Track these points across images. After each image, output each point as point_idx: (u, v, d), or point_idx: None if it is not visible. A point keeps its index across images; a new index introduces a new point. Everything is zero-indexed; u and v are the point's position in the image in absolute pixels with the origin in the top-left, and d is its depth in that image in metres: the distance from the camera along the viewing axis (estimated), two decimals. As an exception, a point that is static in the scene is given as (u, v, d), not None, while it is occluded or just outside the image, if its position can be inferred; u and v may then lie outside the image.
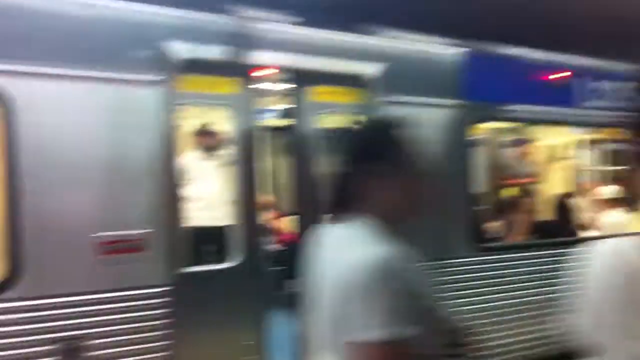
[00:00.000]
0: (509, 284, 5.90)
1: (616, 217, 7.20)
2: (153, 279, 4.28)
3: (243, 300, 4.66)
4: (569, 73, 6.39)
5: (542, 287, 6.08)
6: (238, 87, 4.74)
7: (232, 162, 5.73)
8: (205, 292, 4.51)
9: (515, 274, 5.94)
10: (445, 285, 5.42)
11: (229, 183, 5.02)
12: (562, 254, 6.21)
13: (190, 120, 5.84)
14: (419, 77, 5.53)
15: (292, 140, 5.18)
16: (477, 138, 6.43)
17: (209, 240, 5.38)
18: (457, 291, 5.52)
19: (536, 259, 6.07)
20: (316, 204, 4.76)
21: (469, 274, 5.64)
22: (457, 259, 5.58)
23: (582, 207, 7.36)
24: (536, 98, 6.24)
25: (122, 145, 4.19)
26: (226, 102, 4.76)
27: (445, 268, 5.44)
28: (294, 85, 5.10)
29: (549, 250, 6.17)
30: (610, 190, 7.51)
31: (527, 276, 6.02)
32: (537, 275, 6.09)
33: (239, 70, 4.70)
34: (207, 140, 6.24)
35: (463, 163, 5.69)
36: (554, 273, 6.17)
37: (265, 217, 6.28)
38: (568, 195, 7.94)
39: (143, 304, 4.22)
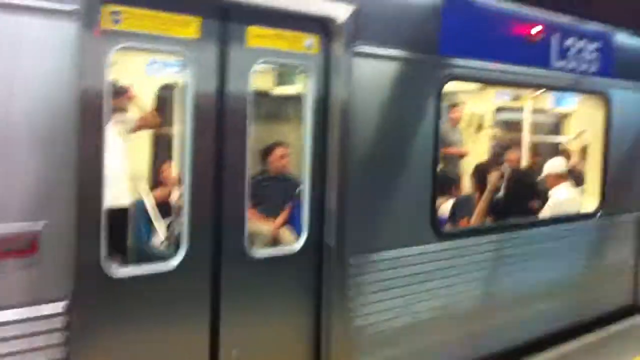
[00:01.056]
0: (473, 275, 5.12)
1: (565, 194, 6.62)
2: (49, 292, 3.02)
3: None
4: (544, 28, 5.55)
5: (511, 277, 5.40)
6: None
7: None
8: (132, 307, 3.33)
9: (480, 263, 5.17)
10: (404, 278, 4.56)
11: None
12: (527, 237, 5.57)
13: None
14: (395, 25, 4.49)
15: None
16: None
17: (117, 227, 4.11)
18: (416, 284, 4.67)
19: (500, 244, 5.33)
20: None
21: (427, 263, 4.77)
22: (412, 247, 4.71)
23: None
24: (520, 56, 5.40)
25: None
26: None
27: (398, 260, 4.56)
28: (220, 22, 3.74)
29: (513, 233, 5.46)
30: (557, 164, 6.92)
31: (493, 265, 5.27)
32: (505, 263, 5.37)
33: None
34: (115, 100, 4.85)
35: (432, 131, 4.74)
36: (522, 258, 5.51)
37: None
38: (524, 169, 7.31)
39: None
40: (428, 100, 4.70)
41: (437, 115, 4.77)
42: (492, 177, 5.62)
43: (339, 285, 4.21)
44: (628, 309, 6.86)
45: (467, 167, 7.41)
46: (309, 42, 4.10)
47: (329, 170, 4.16)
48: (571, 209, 6.50)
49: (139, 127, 5.19)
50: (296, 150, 5.89)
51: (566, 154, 9.78)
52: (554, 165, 6.88)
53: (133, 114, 5.27)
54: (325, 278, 4.18)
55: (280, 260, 4.07)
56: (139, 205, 5.26)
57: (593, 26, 6.27)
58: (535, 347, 5.67)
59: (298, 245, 4.14)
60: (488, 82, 5.61)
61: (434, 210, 4.86)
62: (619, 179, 6.64)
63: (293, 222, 5.13)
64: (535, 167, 7.49)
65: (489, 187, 5.61)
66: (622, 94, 6.59)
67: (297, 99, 5.61)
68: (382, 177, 4.45)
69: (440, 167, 5.18)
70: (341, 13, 4.08)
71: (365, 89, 4.27)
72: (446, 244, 4.91)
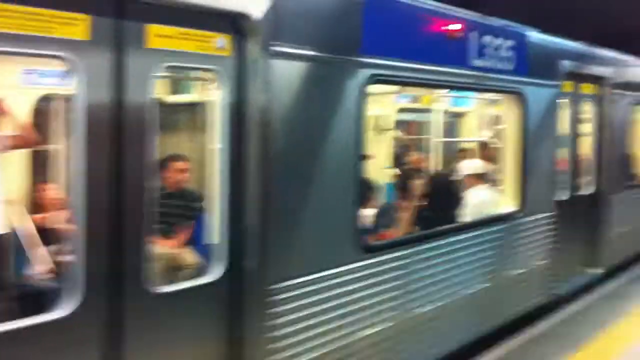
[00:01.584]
0: (402, 290, 4.78)
1: (482, 195, 6.43)
2: None
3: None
4: (464, 26, 5.30)
5: (439, 286, 5.12)
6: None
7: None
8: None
9: (407, 276, 4.83)
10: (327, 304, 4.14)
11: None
12: (452, 244, 5.31)
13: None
14: (317, 23, 4.06)
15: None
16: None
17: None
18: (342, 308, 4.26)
19: (427, 253, 5.03)
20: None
21: (353, 284, 4.37)
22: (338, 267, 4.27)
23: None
24: (443, 56, 5.10)
25: None
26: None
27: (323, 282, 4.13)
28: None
29: (441, 241, 5.17)
30: (474, 166, 6.74)
31: (421, 277, 4.96)
32: (434, 273, 5.07)
33: None
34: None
35: (355, 136, 4.35)
36: (448, 267, 5.24)
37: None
38: (448, 174, 7.07)
39: None
40: (351, 104, 4.30)
41: (361, 119, 4.38)
42: (416, 184, 5.30)
43: (259, 315, 3.73)
44: (545, 307, 6.79)
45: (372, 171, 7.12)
46: (220, 42, 3.60)
47: (247, 183, 3.67)
48: (490, 210, 6.32)
49: (13, 146, 4.39)
50: (202, 163, 5.41)
51: (470, 154, 9.81)
52: (472, 166, 6.70)
53: (5, 131, 4.47)
54: (244, 308, 3.70)
55: (192, 291, 3.55)
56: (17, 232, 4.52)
57: (507, 24, 6.10)
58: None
59: (215, 273, 3.62)
60: (413, 83, 5.28)
61: (358, 222, 4.47)
62: (535, 178, 6.53)
63: (195, 242, 4.65)
64: (454, 169, 7.31)
65: (413, 194, 5.29)
66: (536, 92, 6.48)
67: (203, 107, 5.17)
68: (305, 189, 4.03)
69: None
70: (256, 9, 3.60)
71: (284, 93, 3.82)
72: (374, 259, 4.53)
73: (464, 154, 9.32)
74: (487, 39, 5.67)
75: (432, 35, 5.03)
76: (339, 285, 4.26)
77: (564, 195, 7.24)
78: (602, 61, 8.14)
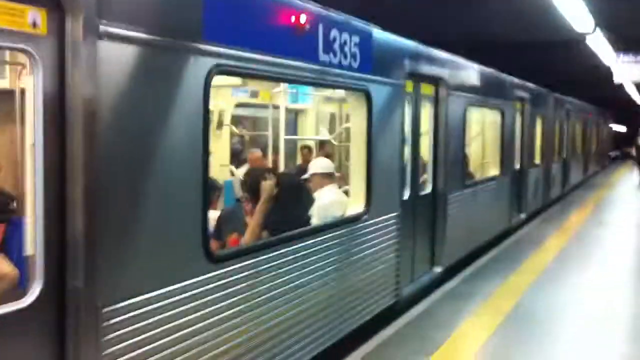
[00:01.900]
0: (254, 303, 4.38)
1: (331, 196, 6.21)
2: None
3: None
4: (312, 18, 5.00)
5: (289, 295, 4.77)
6: None
7: None
8: None
9: (260, 287, 4.44)
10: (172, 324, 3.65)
11: None
12: (305, 249, 5.00)
13: None
14: (155, 1, 3.54)
15: None
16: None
17: None
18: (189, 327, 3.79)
19: (277, 260, 4.66)
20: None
21: (200, 299, 3.90)
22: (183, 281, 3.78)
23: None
24: (292, 49, 4.75)
25: None
26: None
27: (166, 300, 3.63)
28: None
29: (292, 246, 4.83)
30: (323, 164, 6.49)
31: (272, 287, 4.58)
32: (285, 282, 4.71)
33: None
34: None
35: (199, 132, 3.88)
36: (299, 274, 4.92)
37: None
38: (296, 173, 6.72)
39: None
40: (194, 96, 3.83)
41: (205, 113, 3.92)
42: (267, 185, 4.91)
43: (88, 345, 3.16)
44: (391, 308, 6.72)
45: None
46: (34, 17, 2.99)
47: (68, 185, 3.09)
48: (339, 212, 6.11)
49: None
50: (11, 160, 4.68)
51: (316, 152, 9.66)
52: (320, 165, 6.45)
53: None
54: (68, 338, 3.11)
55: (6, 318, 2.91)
56: None
57: (354, 20, 5.92)
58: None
59: (29, 295, 2.99)
60: (260, 76, 4.88)
61: (206, 228, 4.00)
62: (381, 178, 6.42)
63: (9, 247, 4.05)
64: (300, 167, 7.02)
65: (264, 196, 4.89)
66: (381, 90, 6.38)
67: (15, 95, 4.45)
68: (140, 191, 3.49)
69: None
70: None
71: (115, 81, 3.27)
72: (223, 270, 4.09)
73: (307, 151, 9.15)
74: (335, 33, 5.44)
75: (280, 26, 4.68)
76: (185, 301, 3.77)
77: (405, 195, 7.24)
78: (440, 62, 8.28)
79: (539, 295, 7.75)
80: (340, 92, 9.17)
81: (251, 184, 5.02)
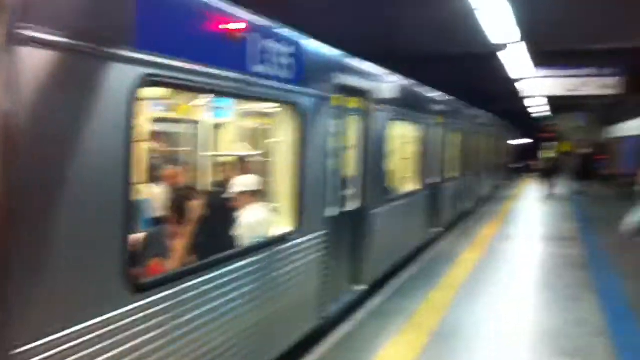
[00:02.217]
0: (182, 333, 4.04)
1: (257, 215, 5.93)
2: None
3: None
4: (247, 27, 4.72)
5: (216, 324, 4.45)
6: None
7: None
8: None
9: (185, 317, 4.10)
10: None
11: None
12: (232, 273, 4.71)
13: None
14: (81, 4, 3.17)
15: None
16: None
17: None
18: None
19: (207, 286, 4.34)
20: None
21: (123, 333, 3.55)
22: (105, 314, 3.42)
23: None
24: (228, 60, 4.44)
25: None
26: None
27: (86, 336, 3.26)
28: None
29: (219, 271, 4.52)
30: (249, 181, 6.20)
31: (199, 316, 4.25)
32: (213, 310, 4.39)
33: None
34: None
35: (124, 148, 3.54)
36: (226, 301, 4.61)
37: None
38: (221, 192, 6.33)
39: None
40: (119, 108, 3.47)
41: (130, 128, 3.57)
42: (195, 205, 4.57)
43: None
44: (315, 331, 6.50)
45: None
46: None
47: None
48: (266, 232, 5.85)
49: None
50: None
51: (239, 168, 9.30)
52: (245, 182, 6.15)
53: None
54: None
55: None
56: None
57: (285, 30, 5.68)
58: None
59: None
60: (193, 88, 4.53)
61: (126, 252, 3.64)
62: (310, 195, 6.20)
63: None
64: (224, 185, 6.67)
65: (191, 217, 4.55)
66: (311, 104, 6.17)
67: None
68: (57, 214, 3.11)
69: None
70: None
71: (34, 90, 2.90)
72: (147, 300, 3.74)
73: (229, 168, 8.73)
74: (268, 42, 5.18)
75: (214, 34, 4.37)
76: (107, 336, 3.40)
77: (334, 212, 7.06)
78: (367, 75, 8.16)
79: (460, 311, 7.76)
80: (263, 106, 8.93)
81: (177, 203, 4.66)
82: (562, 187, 24.78)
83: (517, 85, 19.46)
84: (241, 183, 6.10)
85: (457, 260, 10.99)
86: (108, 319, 3.42)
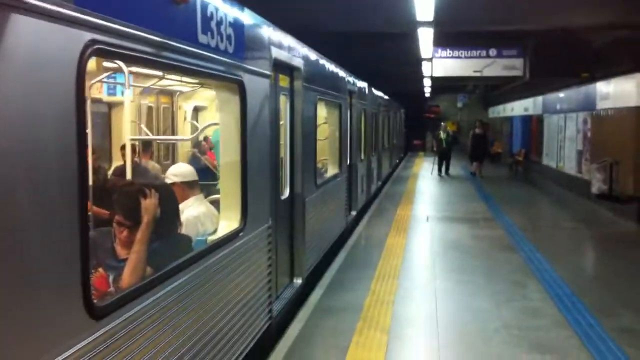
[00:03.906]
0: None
1: (198, 211, 5.21)
2: None
3: None
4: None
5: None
6: None
7: None
8: None
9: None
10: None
11: None
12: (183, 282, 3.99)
13: None
14: None
15: None
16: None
17: None
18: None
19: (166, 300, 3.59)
20: None
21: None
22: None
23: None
24: (178, 30, 3.67)
25: None
26: None
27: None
28: None
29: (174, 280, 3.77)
30: (186, 171, 5.43)
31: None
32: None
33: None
34: None
35: (73, 131, 2.75)
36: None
37: None
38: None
39: None
40: (63, 84, 2.67)
41: (82, 111, 2.77)
42: (149, 205, 3.77)
43: None
44: (265, 334, 5.85)
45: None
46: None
47: None
48: (209, 227, 5.14)
49: None
50: None
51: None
52: (181, 172, 5.38)
53: None
54: None
55: None
56: None
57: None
58: None
59: None
60: (141, 60, 3.69)
61: (87, 270, 2.85)
62: (256, 185, 5.53)
63: None
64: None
65: (146, 219, 3.75)
66: (254, 82, 5.47)
67: None
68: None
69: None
70: None
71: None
72: (112, 325, 2.97)
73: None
74: (212, 9, 4.44)
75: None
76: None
77: (277, 199, 6.42)
78: (297, 52, 7.52)
79: (410, 304, 7.34)
80: (168, 82, 8.10)
81: (127, 203, 3.84)
82: (455, 166, 25.28)
83: (424, 65, 19.43)
84: (175, 173, 5.34)
85: (385, 246, 10.59)
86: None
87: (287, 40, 7.07)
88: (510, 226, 12.70)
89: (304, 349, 5.90)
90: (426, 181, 22.33)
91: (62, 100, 2.68)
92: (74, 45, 2.74)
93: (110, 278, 3.77)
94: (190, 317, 4.05)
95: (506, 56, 17.13)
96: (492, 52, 17.10)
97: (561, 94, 20.17)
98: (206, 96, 10.43)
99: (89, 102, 5.36)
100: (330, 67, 10.22)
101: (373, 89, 17.31)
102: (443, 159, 24.28)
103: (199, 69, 4.34)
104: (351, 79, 12.77)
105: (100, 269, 3.79)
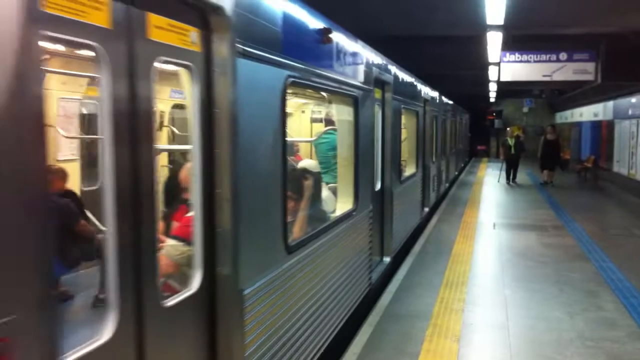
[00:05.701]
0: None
1: (322, 193, 6.90)
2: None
3: None
4: None
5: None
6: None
7: None
8: None
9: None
10: None
11: None
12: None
13: None
14: None
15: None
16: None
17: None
18: None
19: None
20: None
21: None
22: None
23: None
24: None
25: None
26: None
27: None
28: None
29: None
30: (313, 164, 7.16)
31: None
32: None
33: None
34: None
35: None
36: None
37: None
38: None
39: None
40: (276, 102, 4.43)
41: (284, 118, 4.54)
42: (308, 183, 5.57)
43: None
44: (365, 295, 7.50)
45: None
46: (193, 36, 3.48)
47: None
48: (330, 207, 6.82)
49: None
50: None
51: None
52: (314, 165, 7.11)
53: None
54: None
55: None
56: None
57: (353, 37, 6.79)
58: None
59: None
60: (307, 85, 5.62)
61: (285, 227, 4.66)
62: (363, 177, 7.20)
63: None
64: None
65: (307, 192, 5.55)
66: (363, 96, 7.17)
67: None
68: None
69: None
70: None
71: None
72: (297, 258, 4.80)
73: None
74: (344, 45, 6.17)
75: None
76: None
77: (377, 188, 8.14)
78: (386, 68, 9.19)
79: (481, 312, 7.54)
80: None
81: (295, 183, 5.65)
82: (519, 172, 24.12)
83: (490, 69, 20.17)
84: (311, 165, 7.05)
85: (453, 252, 10.85)
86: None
87: (381, 60, 8.76)
88: (580, 234, 12.66)
89: (374, 354, 6.15)
90: (491, 188, 22.18)
91: (276, 110, 4.40)
92: (281, 77, 4.47)
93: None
94: (331, 264, 5.78)
95: (577, 60, 17.10)
96: (563, 55, 17.17)
97: (633, 99, 19.97)
98: (291, 104, 11.90)
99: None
100: (410, 79, 11.84)
101: (443, 96, 18.69)
102: (511, 166, 23.32)
103: (334, 89, 6.08)
104: (425, 88, 14.33)
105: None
